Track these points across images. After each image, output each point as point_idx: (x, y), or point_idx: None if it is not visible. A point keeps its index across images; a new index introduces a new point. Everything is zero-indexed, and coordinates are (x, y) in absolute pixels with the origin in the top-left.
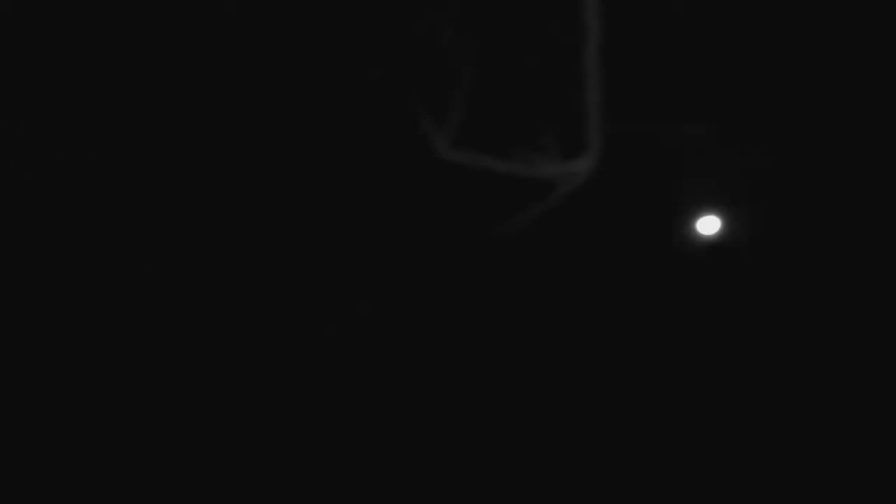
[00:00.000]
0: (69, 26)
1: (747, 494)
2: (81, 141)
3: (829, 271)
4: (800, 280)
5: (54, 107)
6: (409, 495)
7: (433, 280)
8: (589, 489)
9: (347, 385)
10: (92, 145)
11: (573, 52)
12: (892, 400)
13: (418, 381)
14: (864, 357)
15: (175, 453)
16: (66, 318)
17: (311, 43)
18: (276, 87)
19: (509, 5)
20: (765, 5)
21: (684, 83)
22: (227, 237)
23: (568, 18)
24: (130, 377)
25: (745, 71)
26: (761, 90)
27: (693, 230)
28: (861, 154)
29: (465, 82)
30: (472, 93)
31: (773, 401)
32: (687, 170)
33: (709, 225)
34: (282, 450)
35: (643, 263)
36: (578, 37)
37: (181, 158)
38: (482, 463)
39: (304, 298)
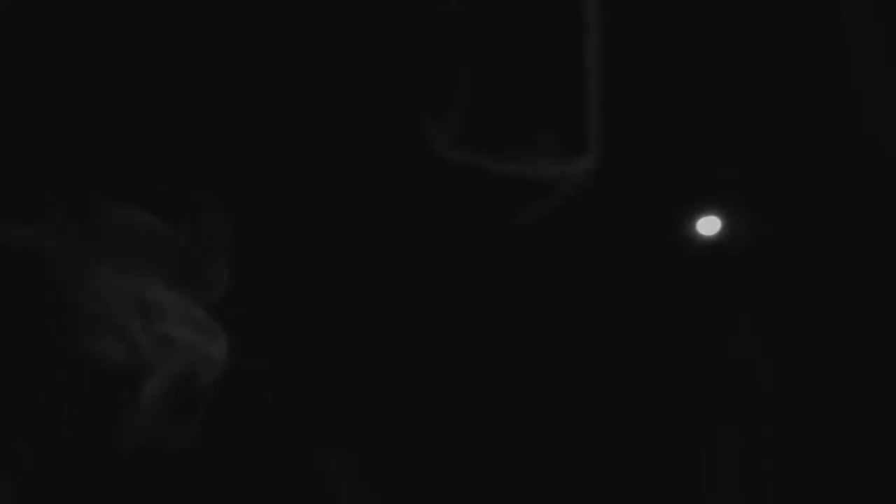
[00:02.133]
0: (73, 26)
1: (747, 494)
2: (82, 140)
3: (830, 271)
4: (800, 280)
5: (56, 107)
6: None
7: (432, 280)
8: (585, 492)
9: (346, 385)
10: (91, 144)
11: (573, 51)
12: (893, 402)
13: (417, 381)
14: (866, 358)
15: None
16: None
17: (311, 42)
18: (275, 85)
19: (509, 5)
20: (767, 5)
21: (685, 83)
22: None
23: (568, 18)
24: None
25: (746, 71)
26: (762, 90)
27: (693, 230)
28: (862, 153)
29: (465, 82)
30: (472, 93)
31: (774, 401)
32: (687, 169)
33: (709, 225)
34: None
35: (643, 263)
36: (578, 36)
37: (179, 155)
38: (480, 466)
39: (302, 298)
